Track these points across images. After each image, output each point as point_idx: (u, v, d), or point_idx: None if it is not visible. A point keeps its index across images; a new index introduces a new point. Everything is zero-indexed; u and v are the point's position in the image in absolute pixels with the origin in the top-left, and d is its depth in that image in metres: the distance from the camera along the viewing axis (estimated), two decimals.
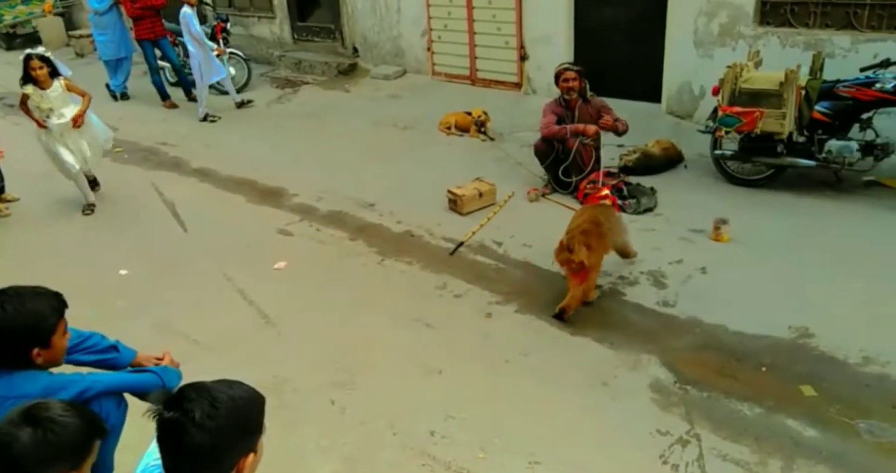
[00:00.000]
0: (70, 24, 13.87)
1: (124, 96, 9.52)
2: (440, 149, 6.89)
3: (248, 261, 4.91)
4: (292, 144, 7.36)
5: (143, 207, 5.99)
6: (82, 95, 5.68)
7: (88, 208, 5.88)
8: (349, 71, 9.86)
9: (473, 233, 5.03)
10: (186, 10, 7.98)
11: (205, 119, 8.38)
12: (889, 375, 3.34)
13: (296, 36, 10.97)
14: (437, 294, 4.37)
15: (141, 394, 2.36)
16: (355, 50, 10.08)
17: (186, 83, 9.20)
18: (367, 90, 9.17)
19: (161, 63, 9.77)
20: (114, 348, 2.60)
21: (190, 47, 8.13)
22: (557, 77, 5.42)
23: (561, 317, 3.96)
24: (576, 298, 3.97)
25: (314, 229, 5.37)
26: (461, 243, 4.91)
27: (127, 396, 2.45)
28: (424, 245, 5.01)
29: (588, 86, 5.45)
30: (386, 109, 8.25)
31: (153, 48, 8.87)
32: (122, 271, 4.85)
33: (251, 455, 1.62)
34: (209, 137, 7.77)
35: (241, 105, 8.76)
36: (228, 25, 8.98)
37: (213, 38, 9.32)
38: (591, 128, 5.29)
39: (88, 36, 11.32)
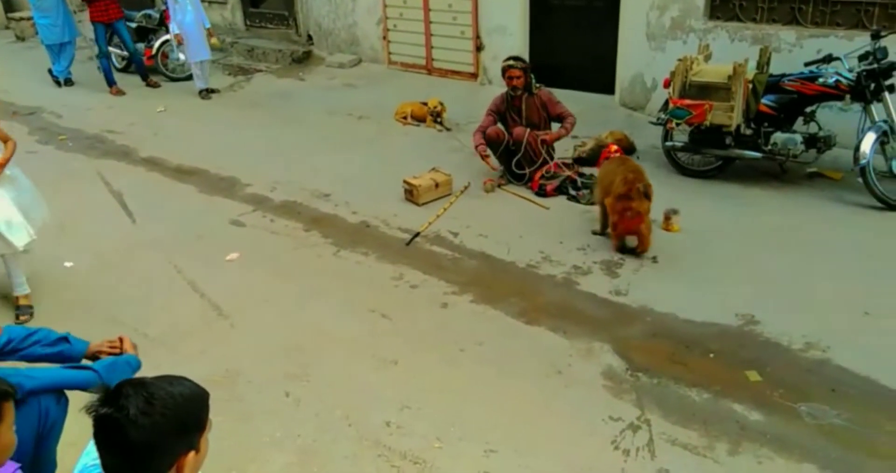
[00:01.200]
0: (9, 6, 13.31)
1: (68, 82, 9.21)
2: (396, 139, 6.86)
3: (200, 252, 4.82)
4: (245, 132, 7.23)
5: (88, 197, 5.81)
6: (5, 141, 4.04)
7: (24, 312, 4.10)
8: (303, 59, 9.72)
9: (430, 223, 5.03)
10: None
11: (207, 92, 8.43)
12: (829, 359, 3.46)
13: (248, 22, 10.77)
14: (392, 285, 4.35)
15: (84, 388, 2.30)
16: (310, 38, 9.94)
17: (142, 68, 8.95)
18: (322, 79, 9.06)
19: (109, 49, 9.52)
20: (64, 339, 2.53)
21: (188, 19, 8.07)
22: (503, 72, 5.43)
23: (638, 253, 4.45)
24: (646, 236, 4.40)
25: (268, 220, 5.29)
26: (417, 234, 4.90)
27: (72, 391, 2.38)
28: (380, 236, 4.99)
29: (534, 79, 5.46)
30: (341, 98, 8.17)
31: (106, 31, 8.61)
32: (67, 263, 4.70)
33: (192, 453, 1.60)
34: (158, 125, 7.58)
35: (209, 91, 8.57)
36: None
37: (161, 23, 9.10)
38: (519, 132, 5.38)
39: (29, 19, 10.88)
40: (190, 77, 8.83)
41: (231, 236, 5.04)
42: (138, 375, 2.11)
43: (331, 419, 3.21)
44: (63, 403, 2.37)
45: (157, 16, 9.20)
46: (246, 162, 6.35)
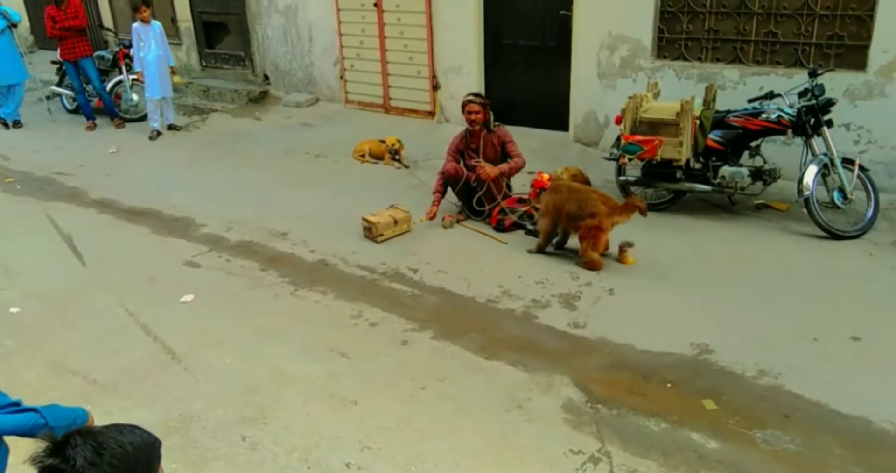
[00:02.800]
0: None
1: (17, 124, 9.04)
2: (354, 177, 6.88)
3: (153, 295, 4.71)
4: (200, 172, 7.17)
5: (37, 240, 5.65)
6: None
7: None
8: (260, 98, 9.73)
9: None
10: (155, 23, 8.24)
11: (158, 134, 8.43)
12: (781, 386, 3.53)
13: (204, 63, 10.76)
14: (352, 323, 4.31)
15: (27, 434, 2.18)
16: (266, 78, 9.97)
17: (110, 107, 8.89)
18: (279, 118, 9.07)
19: (58, 90, 9.43)
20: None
21: (150, 57, 8.13)
22: (463, 108, 5.53)
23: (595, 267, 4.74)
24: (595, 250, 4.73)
25: (223, 260, 5.22)
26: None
27: (12, 439, 2.27)
28: (339, 274, 4.95)
29: (493, 117, 5.57)
30: (298, 137, 8.18)
31: (75, 69, 8.59)
32: (13, 309, 4.55)
33: None
34: (110, 167, 7.47)
35: (171, 128, 8.65)
36: (131, 51, 8.71)
37: (115, 64, 9.05)
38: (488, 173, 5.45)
39: None
40: (143, 117, 8.78)
41: (185, 278, 4.95)
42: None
43: (289, 462, 3.14)
44: (2, 452, 2.26)
45: (111, 57, 9.15)
46: (201, 202, 6.29)
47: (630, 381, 3.63)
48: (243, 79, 10.21)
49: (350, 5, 8.47)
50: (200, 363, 3.92)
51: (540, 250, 5.03)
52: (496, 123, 5.58)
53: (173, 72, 8.51)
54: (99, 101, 8.90)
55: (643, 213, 4.72)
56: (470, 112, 5.45)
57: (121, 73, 8.93)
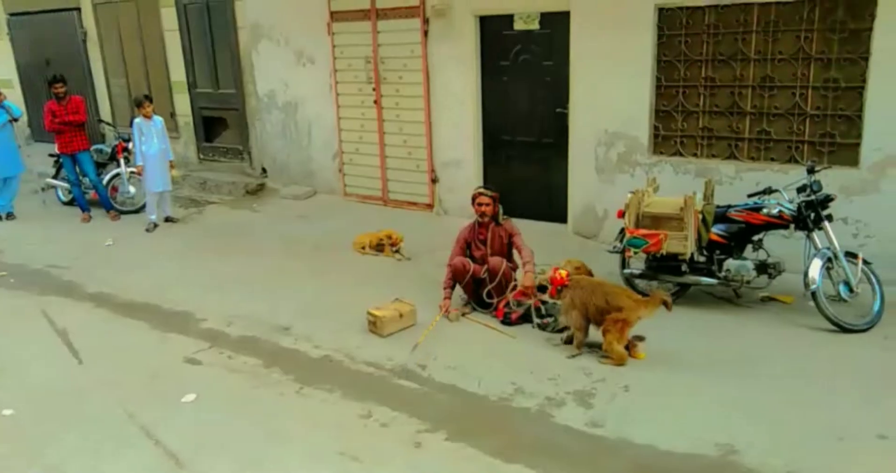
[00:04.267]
0: None
1: (10, 216, 9.00)
2: (355, 269, 6.84)
3: (153, 394, 4.53)
4: (199, 265, 7.10)
5: (31, 336, 5.48)
6: None
7: None
8: (257, 191, 9.83)
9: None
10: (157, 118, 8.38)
11: (155, 226, 8.42)
12: None
13: (202, 156, 10.92)
14: (361, 424, 4.15)
15: None
16: (264, 170, 10.11)
17: (106, 199, 8.90)
18: (277, 210, 9.12)
19: (53, 182, 9.48)
20: None
21: (153, 151, 8.22)
22: (473, 200, 5.61)
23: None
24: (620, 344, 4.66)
25: (225, 357, 5.07)
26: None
27: None
28: (345, 370, 4.82)
29: (502, 210, 5.65)
30: (297, 229, 8.19)
31: (72, 162, 8.69)
32: (6, 411, 4.33)
33: None
34: (106, 259, 7.38)
35: (168, 220, 8.67)
36: (130, 145, 8.84)
37: (113, 157, 9.15)
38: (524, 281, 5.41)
39: None
40: (139, 210, 8.79)
41: (187, 376, 4.79)
42: None
43: None
44: None
45: (109, 151, 9.25)
46: (200, 296, 6.19)
47: None
48: (241, 171, 10.34)
49: (350, 102, 8.73)
50: (205, 468, 3.72)
51: (580, 346, 4.89)
52: (504, 217, 5.65)
53: (172, 166, 8.61)
54: (95, 193, 8.93)
55: (668, 307, 4.69)
56: (480, 204, 5.52)
57: (119, 166, 9.00)
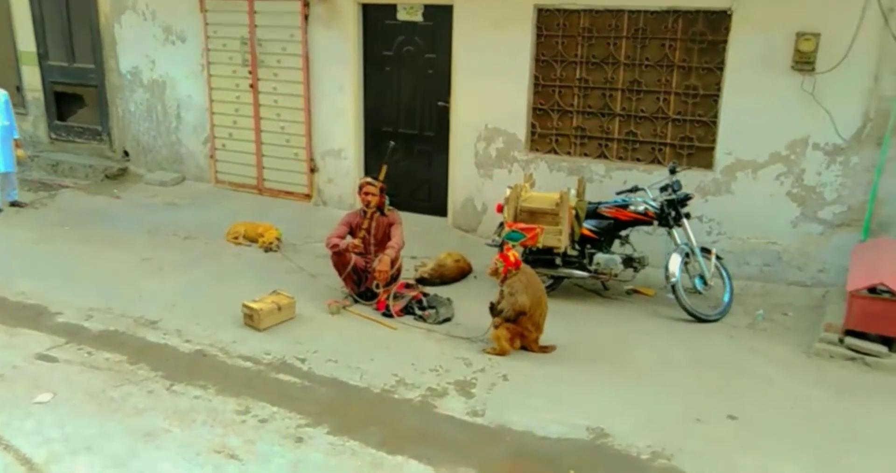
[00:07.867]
0: None
1: None
2: (229, 260, 6.57)
3: (1, 395, 4.13)
4: (52, 254, 6.53)
5: None
6: None
7: None
8: (118, 175, 9.18)
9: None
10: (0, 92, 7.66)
11: (2, 209, 7.73)
12: (675, 467, 3.68)
13: (53, 135, 10.03)
14: (239, 420, 4.00)
15: None
16: (126, 154, 9.45)
17: None
18: (141, 197, 8.56)
19: None
20: None
21: None
22: (360, 189, 5.60)
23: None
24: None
25: (84, 353, 4.71)
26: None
27: None
28: (220, 366, 4.63)
29: (388, 201, 5.65)
30: (164, 217, 7.73)
31: None
32: None
33: None
34: None
35: (14, 204, 7.93)
36: None
37: None
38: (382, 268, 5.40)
39: None
40: None
41: (40, 374, 4.41)
42: None
43: None
44: None
45: None
46: (55, 288, 5.70)
47: (535, 469, 3.63)
48: (99, 154, 9.60)
49: (224, 85, 8.33)
50: None
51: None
52: (390, 208, 5.66)
53: (18, 145, 7.86)
54: None
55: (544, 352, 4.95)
56: (367, 193, 5.52)
57: None
